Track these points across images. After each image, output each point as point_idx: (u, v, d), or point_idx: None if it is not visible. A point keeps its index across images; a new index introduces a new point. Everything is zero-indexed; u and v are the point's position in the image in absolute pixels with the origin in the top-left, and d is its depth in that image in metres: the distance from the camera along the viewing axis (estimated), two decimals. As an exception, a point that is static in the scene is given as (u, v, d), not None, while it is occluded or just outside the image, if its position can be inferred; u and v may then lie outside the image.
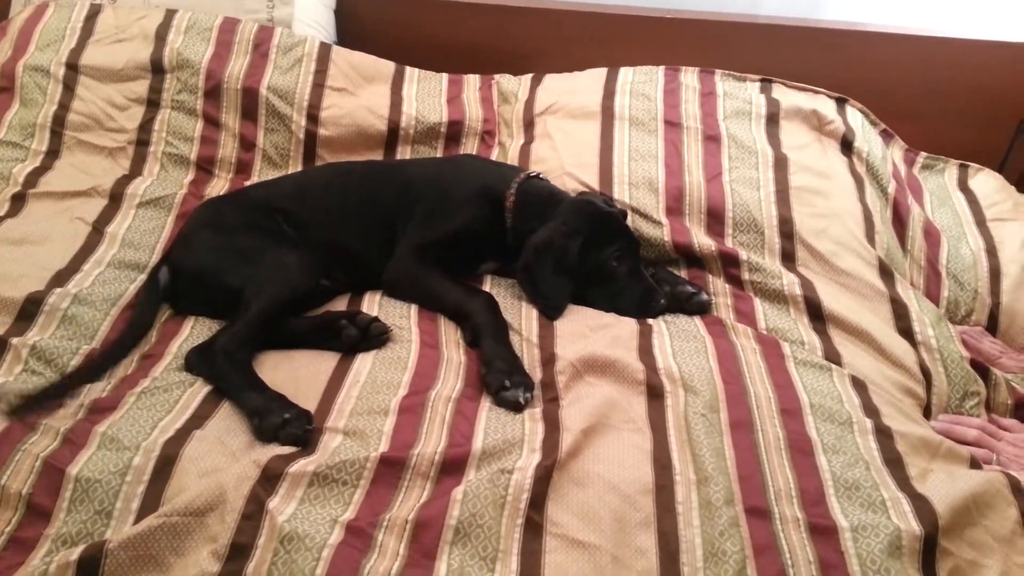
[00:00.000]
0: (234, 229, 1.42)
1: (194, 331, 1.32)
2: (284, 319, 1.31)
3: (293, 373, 1.23)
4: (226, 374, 1.20)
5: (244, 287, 1.31)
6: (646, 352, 1.26)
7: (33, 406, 1.12)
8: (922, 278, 1.57)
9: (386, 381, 1.20)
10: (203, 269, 1.37)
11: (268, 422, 1.10)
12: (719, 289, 1.45)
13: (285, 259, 1.35)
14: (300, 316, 1.34)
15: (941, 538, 0.99)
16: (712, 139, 1.63)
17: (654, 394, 1.19)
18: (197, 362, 1.23)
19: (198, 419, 1.13)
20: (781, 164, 1.57)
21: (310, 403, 1.16)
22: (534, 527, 0.99)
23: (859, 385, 1.23)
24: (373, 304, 1.38)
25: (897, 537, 0.98)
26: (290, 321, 1.31)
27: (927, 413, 1.29)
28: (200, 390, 1.19)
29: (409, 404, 1.15)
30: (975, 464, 1.14)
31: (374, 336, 1.27)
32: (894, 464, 1.10)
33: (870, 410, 1.18)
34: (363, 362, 1.24)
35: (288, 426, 1.09)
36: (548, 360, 1.26)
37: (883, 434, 1.14)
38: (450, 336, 1.32)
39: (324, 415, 1.14)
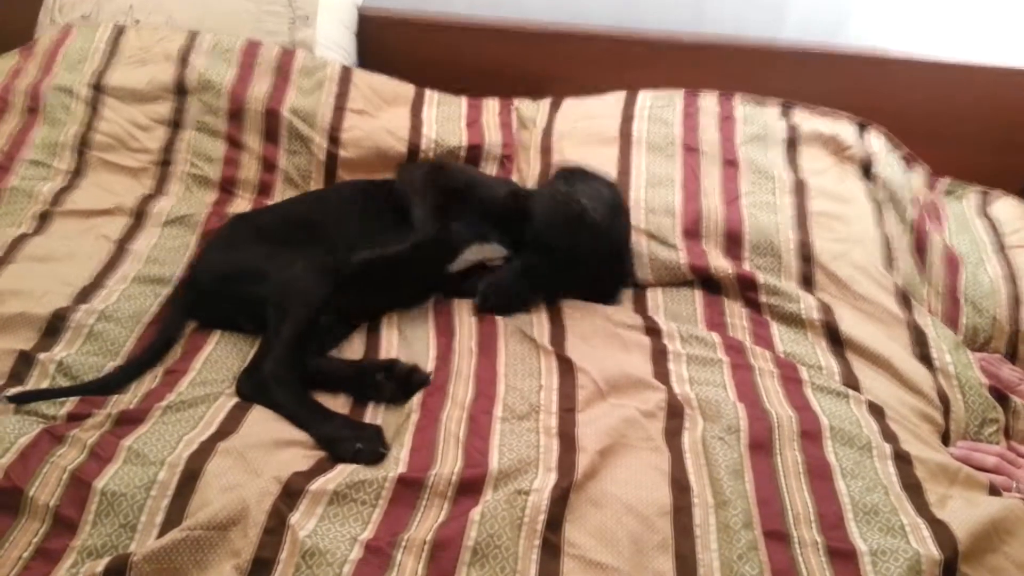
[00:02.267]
0: (247, 240, 1.45)
1: (218, 347, 1.34)
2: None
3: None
4: (285, 403, 1.21)
5: (264, 297, 1.32)
6: (661, 377, 1.27)
7: (35, 399, 1.18)
8: (940, 304, 1.56)
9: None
10: (217, 278, 1.39)
11: (342, 450, 1.13)
12: (735, 312, 1.46)
13: (296, 268, 1.35)
14: (330, 359, 1.33)
15: (961, 564, 0.99)
16: (730, 164, 1.63)
17: (673, 415, 1.19)
18: (251, 391, 1.24)
19: (222, 434, 1.14)
20: (799, 189, 1.58)
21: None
22: (552, 548, 1.00)
23: (876, 411, 1.23)
24: (392, 332, 1.39)
25: (916, 562, 0.97)
26: (321, 363, 1.31)
27: (945, 440, 1.28)
28: (225, 404, 1.20)
29: (424, 424, 1.17)
30: (994, 491, 1.14)
31: (415, 386, 1.25)
32: (913, 490, 1.09)
33: (888, 436, 1.18)
34: None
35: (362, 453, 1.12)
36: (566, 368, 1.27)
37: (902, 460, 1.14)
38: (463, 347, 1.33)
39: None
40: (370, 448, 1.13)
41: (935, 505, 1.07)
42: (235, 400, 1.22)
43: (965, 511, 1.05)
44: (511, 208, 1.47)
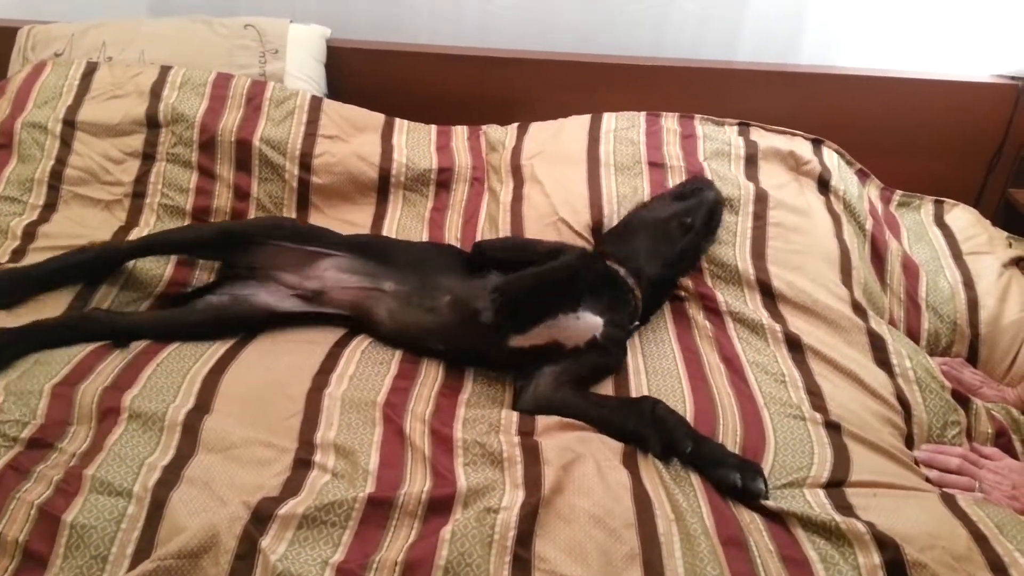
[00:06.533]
0: None
1: (170, 356, 1.33)
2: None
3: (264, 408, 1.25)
4: None
5: None
6: (623, 391, 1.31)
7: None
8: (902, 311, 1.60)
9: (361, 420, 1.22)
10: None
11: None
12: (700, 323, 1.49)
13: None
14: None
15: (907, 561, 1.02)
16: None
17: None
18: None
19: (181, 459, 1.14)
20: (761, 199, 1.61)
21: (291, 436, 1.19)
22: (523, 564, 1.01)
23: (832, 427, 1.27)
24: (356, 351, 1.39)
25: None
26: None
27: (909, 443, 1.31)
28: (176, 426, 1.19)
29: (390, 437, 1.19)
30: (947, 499, 1.17)
31: None
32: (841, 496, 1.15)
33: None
34: (332, 403, 1.25)
35: None
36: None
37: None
38: (428, 373, 1.34)
39: (310, 451, 1.17)
40: None
41: (860, 509, 1.12)
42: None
43: (895, 513, 1.10)
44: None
